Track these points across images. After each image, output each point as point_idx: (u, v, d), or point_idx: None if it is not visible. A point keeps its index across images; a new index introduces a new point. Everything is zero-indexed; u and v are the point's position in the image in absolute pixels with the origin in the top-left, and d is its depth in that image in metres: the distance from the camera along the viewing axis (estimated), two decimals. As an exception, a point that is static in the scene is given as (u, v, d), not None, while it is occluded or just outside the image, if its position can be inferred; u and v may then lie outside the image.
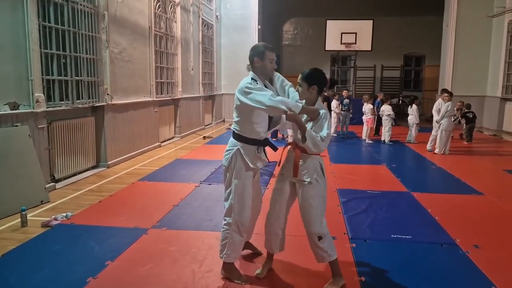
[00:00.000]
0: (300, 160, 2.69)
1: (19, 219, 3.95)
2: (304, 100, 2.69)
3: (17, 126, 4.57)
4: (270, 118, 2.84)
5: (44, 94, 5.05)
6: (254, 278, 2.90)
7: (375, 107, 10.02)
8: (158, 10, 8.67)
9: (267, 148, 2.91)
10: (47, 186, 4.90)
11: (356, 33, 14.44)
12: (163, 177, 5.99)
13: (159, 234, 3.74)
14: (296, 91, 2.80)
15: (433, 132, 8.43)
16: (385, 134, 9.52)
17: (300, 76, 2.76)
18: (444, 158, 7.75)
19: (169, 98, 9.52)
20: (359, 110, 10.39)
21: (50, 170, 5.30)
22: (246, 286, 2.81)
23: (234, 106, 2.81)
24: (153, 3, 8.27)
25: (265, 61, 2.79)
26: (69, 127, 5.65)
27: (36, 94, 4.84)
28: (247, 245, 3.27)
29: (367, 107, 9.81)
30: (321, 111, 2.65)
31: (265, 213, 2.97)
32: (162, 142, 9.02)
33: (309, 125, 2.64)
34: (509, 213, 4.52)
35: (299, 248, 3.32)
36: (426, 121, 13.00)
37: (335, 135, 10.33)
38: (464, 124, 9.80)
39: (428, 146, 8.46)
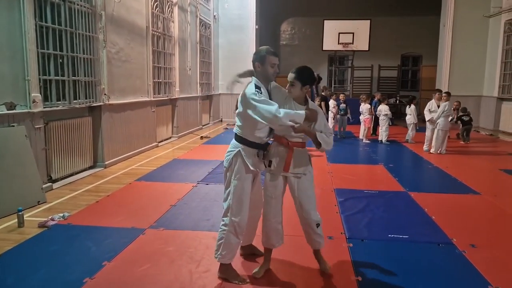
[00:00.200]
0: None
1: (16, 220, 3.94)
2: (304, 109, 2.72)
3: (13, 126, 4.56)
4: None
5: (41, 94, 5.03)
6: (252, 279, 2.90)
7: (373, 107, 10.03)
8: (155, 10, 8.66)
9: None
10: (44, 186, 4.89)
11: (353, 33, 14.46)
12: (160, 177, 5.98)
13: (156, 234, 3.73)
14: (286, 89, 2.82)
15: (427, 133, 8.45)
16: (382, 134, 9.54)
17: (292, 75, 2.74)
18: (441, 157, 7.78)
19: (166, 98, 9.51)
20: (356, 110, 10.40)
21: (47, 170, 5.28)
22: (243, 286, 2.81)
23: (237, 111, 2.81)
24: (150, 3, 8.25)
25: (266, 65, 2.76)
26: (66, 127, 5.63)
27: (33, 94, 4.83)
28: (251, 248, 3.27)
29: (364, 107, 9.83)
30: (317, 110, 2.77)
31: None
32: (159, 142, 9.01)
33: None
34: (506, 212, 4.53)
35: (296, 248, 3.32)
36: (423, 121, 13.02)
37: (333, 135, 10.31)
38: (461, 125, 9.85)
39: (425, 147, 8.48)
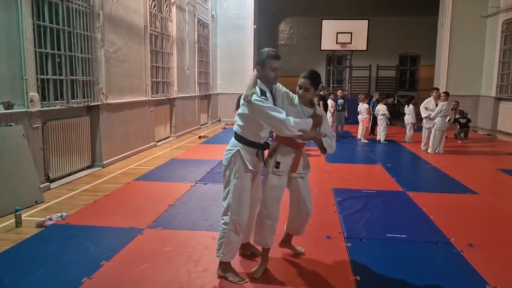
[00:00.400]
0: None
1: (13, 220, 3.93)
2: (311, 112, 2.80)
3: (11, 125, 4.54)
4: None
5: (38, 93, 5.02)
6: (250, 278, 2.90)
7: (371, 107, 10.05)
8: (153, 9, 8.65)
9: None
10: (41, 186, 4.87)
11: (351, 33, 14.48)
12: (158, 176, 5.97)
13: (155, 234, 3.73)
14: (296, 94, 2.83)
15: (424, 132, 8.46)
16: (380, 133, 9.56)
17: (307, 81, 2.75)
18: (439, 157, 7.79)
19: (164, 97, 9.50)
20: (355, 110, 10.42)
21: (45, 170, 5.27)
22: (242, 285, 2.81)
23: (238, 111, 2.80)
24: (148, 2, 8.24)
25: (266, 69, 2.73)
26: (64, 126, 5.62)
27: (30, 94, 4.81)
28: (249, 246, 3.27)
29: (362, 107, 9.84)
30: (322, 115, 2.86)
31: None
32: (157, 141, 8.99)
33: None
34: (504, 212, 4.55)
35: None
36: (421, 121, 13.03)
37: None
38: (458, 127, 9.89)
39: (423, 147, 8.50)
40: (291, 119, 2.62)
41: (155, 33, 8.83)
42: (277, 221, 2.92)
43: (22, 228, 3.87)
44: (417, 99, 16.02)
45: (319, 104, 8.79)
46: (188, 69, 11.01)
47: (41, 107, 5.08)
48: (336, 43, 14.61)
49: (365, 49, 14.62)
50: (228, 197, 2.83)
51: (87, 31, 6.13)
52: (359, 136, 9.98)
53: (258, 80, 2.74)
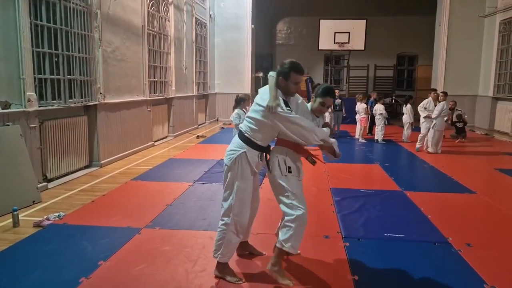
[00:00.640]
0: None
1: (11, 219, 3.91)
2: (318, 120, 2.95)
3: (8, 125, 4.52)
4: None
5: (36, 93, 5.00)
6: (248, 277, 2.90)
7: (369, 106, 10.06)
8: (151, 9, 8.63)
9: None
10: (39, 186, 4.86)
11: (349, 33, 14.47)
12: (156, 176, 5.96)
13: (152, 233, 3.72)
14: (317, 110, 2.93)
15: (422, 131, 8.47)
16: (378, 133, 9.58)
17: (326, 96, 2.86)
18: (437, 157, 7.81)
19: (162, 97, 9.48)
20: (353, 109, 10.43)
21: (42, 170, 5.25)
22: (239, 285, 2.81)
23: (251, 117, 2.74)
24: (146, 2, 8.23)
25: (289, 83, 2.71)
26: (61, 126, 5.60)
27: (27, 93, 4.79)
28: (247, 246, 3.27)
29: (360, 106, 9.85)
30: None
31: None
32: (155, 141, 8.98)
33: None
34: (501, 211, 4.56)
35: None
36: (419, 121, 13.07)
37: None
38: (455, 131, 9.93)
39: (417, 146, 8.51)
40: (318, 129, 2.72)
41: (153, 32, 8.81)
42: None
43: (20, 228, 3.85)
44: (414, 99, 16.07)
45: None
46: (186, 68, 11.00)
47: (39, 106, 5.06)
48: (334, 42, 14.60)
49: (363, 49, 14.62)
50: (231, 198, 2.82)
51: (84, 31, 6.11)
52: (357, 136, 9.99)
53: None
